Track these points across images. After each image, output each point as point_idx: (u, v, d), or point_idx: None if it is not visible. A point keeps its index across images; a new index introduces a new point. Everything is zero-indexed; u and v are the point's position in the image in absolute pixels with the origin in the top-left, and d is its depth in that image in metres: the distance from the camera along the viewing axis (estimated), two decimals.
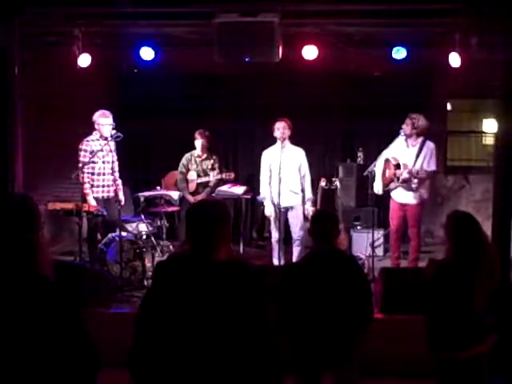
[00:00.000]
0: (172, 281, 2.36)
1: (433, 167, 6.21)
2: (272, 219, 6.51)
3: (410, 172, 6.12)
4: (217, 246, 2.37)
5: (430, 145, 6.22)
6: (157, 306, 2.33)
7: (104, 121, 6.29)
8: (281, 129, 6.31)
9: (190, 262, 2.38)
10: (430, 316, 3.48)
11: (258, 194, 6.72)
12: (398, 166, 6.22)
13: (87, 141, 6.31)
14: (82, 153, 6.26)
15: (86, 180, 6.22)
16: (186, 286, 2.31)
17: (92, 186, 6.31)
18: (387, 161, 6.30)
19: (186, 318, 2.28)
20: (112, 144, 6.41)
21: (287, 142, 6.40)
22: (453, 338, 3.34)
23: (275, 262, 6.44)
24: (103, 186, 6.41)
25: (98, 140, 6.33)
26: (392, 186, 6.30)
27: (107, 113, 6.35)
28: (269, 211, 6.52)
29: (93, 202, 6.21)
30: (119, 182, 6.57)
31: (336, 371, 3.48)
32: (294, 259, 6.36)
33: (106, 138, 6.31)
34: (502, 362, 4.17)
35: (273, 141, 6.50)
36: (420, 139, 6.22)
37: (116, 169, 6.52)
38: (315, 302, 3.36)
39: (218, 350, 2.26)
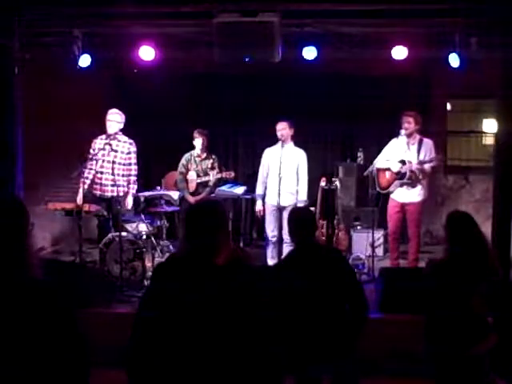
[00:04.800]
0: (170, 282, 2.35)
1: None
2: (267, 217, 6.54)
3: (419, 162, 6.14)
4: (216, 248, 2.37)
5: (428, 141, 6.28)
6: (154, 308, 2.32)
7: (110, 117, 6.37)
8: (280, 130, 6.39)
9: (189, 263, 2.37)
10: (429, 315, 3.48)
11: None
12: (403, 162, 6.23)
13: (95, 138, 6.43)
14: (90, 150, 6.38)
15: (82, 175, 6.23)
16: (185, 287, 2.30)
17: (93, 182, 6.35)
18: (387, 169, 6.34)
19: (184, 320, 2.27)
20: (127, 146, 6.44)
21: (289, 143, 6.46)
22: (452, 338, 3.34)
23: (270, 262, 6.44)
24: (101, 185, 6.41)
25: (106, 139, 6.38)
26: (393, 187, 6.30)
27: (116, 110, 6.42)
28: (258, 208, 6.69)
29: (79, 197, 6.16)
30: (132, 186, 6.52)
31: (335, 371, 3.46)
32: None
33: (109, 136, 6.34)
34: (501, 362, 4.17)
35: (273, 141, 6.53)
36: (418, 137, 6.25)
37: (132, 172, 6.51)
38: (303, 299, 3.32)
39: (215, 352, 2.25)
